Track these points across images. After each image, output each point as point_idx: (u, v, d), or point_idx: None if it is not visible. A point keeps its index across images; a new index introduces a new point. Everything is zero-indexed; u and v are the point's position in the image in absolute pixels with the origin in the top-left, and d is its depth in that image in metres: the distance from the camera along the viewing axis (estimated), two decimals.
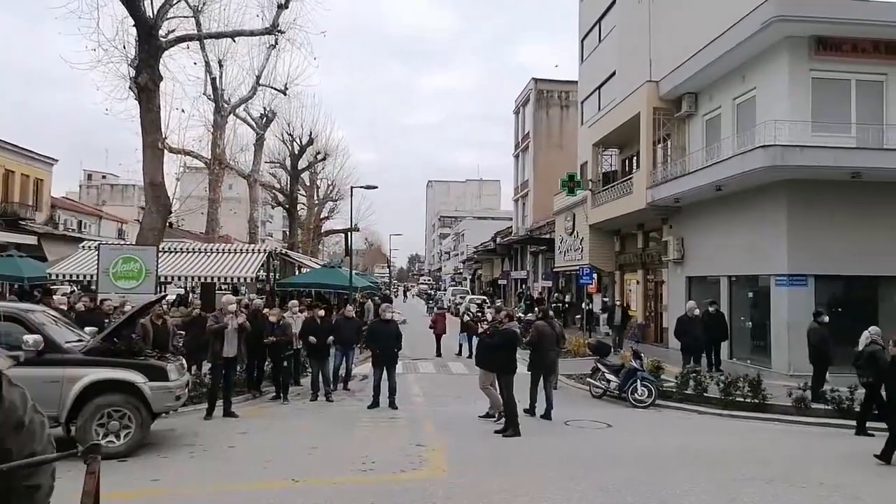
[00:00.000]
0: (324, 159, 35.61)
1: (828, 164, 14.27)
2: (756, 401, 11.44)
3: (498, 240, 52.06)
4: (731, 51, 16.86)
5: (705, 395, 12.23)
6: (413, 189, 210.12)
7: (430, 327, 21.45)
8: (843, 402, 10.83)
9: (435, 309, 25.19)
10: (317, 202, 39.24)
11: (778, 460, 8.33)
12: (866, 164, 14.45)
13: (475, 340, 15.88)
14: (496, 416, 10.37)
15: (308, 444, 8.88)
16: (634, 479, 7.15)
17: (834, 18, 15.14)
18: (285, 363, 12.88)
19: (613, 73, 26.49)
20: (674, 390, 12.69)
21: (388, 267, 54.32)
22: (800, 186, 15.34)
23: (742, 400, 11.58)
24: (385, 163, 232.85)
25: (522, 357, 11.14)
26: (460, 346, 20.38)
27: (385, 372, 11.85)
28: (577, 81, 33.25)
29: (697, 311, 15.72)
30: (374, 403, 11.60)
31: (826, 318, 12.75)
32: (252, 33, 18.83)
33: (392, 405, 11.53)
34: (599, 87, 28.59)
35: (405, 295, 75.68)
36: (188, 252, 19.61)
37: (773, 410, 11.30)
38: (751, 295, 17.60)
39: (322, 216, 40.98)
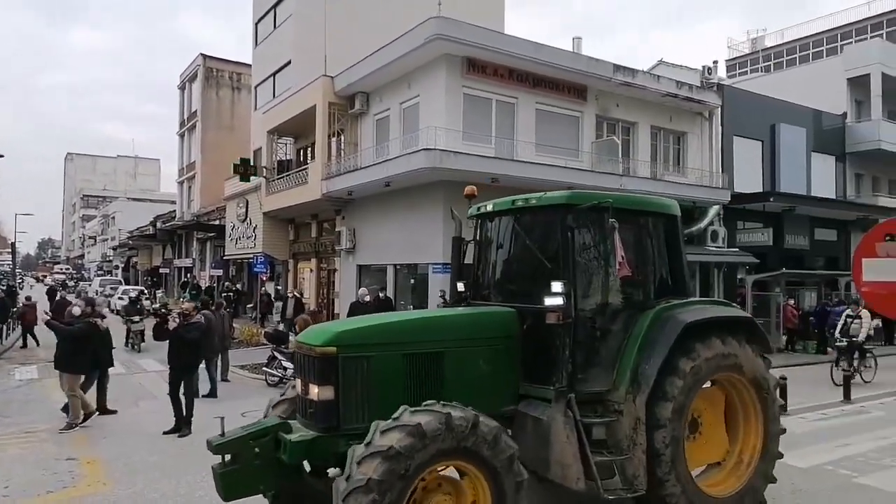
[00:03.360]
0: None
1: (475, 170, 16.61)
2: None
3: (159, 224, 47.54)
4: (399, 59, 18.36)
5: None
6: (49, 163, 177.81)
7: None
8: None
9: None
10: None
11: None
12: (502, 171, 17.24)
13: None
14: (74, 425, 9.47)
15: None
16: None
17: (481, 45, 17.60)
18: None
19: (289, 62, 26.44)
20: None
21: (13, 253, 45.08)
22: (454, 186, 17.51)
23: None
24: (10, 130, 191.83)
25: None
26: None
27: None
28: (250, 64, 32.30)
29: (368, 297, 16.83)
30: None
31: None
32: None
33: None
34: (274, 74, 28.24)
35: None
36: None
37: None
38: (412, 281, 19.57)
39: None
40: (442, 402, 4.43)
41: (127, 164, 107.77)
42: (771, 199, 22.85)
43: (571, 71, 19.04)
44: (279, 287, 26.93)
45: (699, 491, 5.32)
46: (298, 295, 22.51)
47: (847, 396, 11.66)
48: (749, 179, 24.02)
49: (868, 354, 14.60)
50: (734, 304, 6.60)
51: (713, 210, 22.22)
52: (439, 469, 4.45)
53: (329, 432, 4.70)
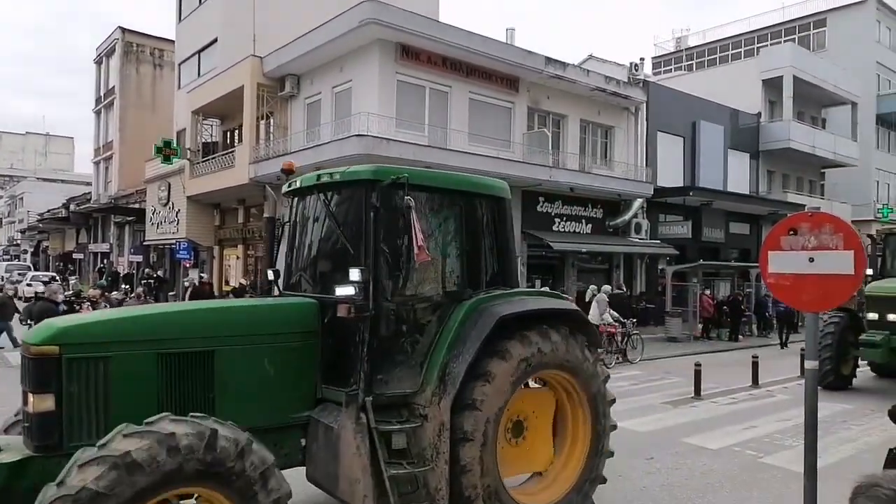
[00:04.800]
0: None
1: (408, 157, 16.49)
2: None
3: (73, 207, 44.88)
4: (331, 42, 17.98)
5: None
6: None
7: None
8: None
9: None
10: None
11: None
12: (435, 160, 17.20)
13: None
14: None
15: None
16: None
17: (414, 31, 17.47)
18: None
19: (215, 41, 25.39)
20: None
21: None
22: None
23: None
24: None
25: None
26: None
27: None
28: (173, 40, 30.85)
29: None
30: None
31: None
32: None
33: None
34: (200, 52, 27.07)
35: None
36: None
37: None
38: None
39: None
40: (194, 414, 3.67)
41: (37, 141, 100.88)
42: (690, 194, 23.90)
43: (504, 62, 19.21)
44: (203, 274, 26.03)
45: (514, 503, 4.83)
46: (201, 281, 21.71)
47: (755, 381, 12.39)
48: (671, 174, 25.04)
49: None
50: (565, 296, 6.04)
51: (637, 203, 23.03)
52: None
53: (47, 452, 3.77)
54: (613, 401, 5.58)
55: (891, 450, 3.65)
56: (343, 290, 4.50)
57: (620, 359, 14.77)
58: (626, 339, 15.13)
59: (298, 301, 4.94)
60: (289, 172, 5.62)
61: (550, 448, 5.39)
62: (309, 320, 4.74)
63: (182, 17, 28.97)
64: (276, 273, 5.41)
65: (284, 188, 5.55)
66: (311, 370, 4.74)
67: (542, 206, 21.07)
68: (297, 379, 4.69)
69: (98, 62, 41.35)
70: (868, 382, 12.90)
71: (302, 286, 5.34)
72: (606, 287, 16.14)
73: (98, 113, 41.51)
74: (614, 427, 5.60)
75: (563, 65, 20.66)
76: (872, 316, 11.84)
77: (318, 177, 5.04)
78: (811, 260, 4.22)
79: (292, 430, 4.61)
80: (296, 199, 5.49)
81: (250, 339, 4.49)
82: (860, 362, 12.55)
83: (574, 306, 5.59)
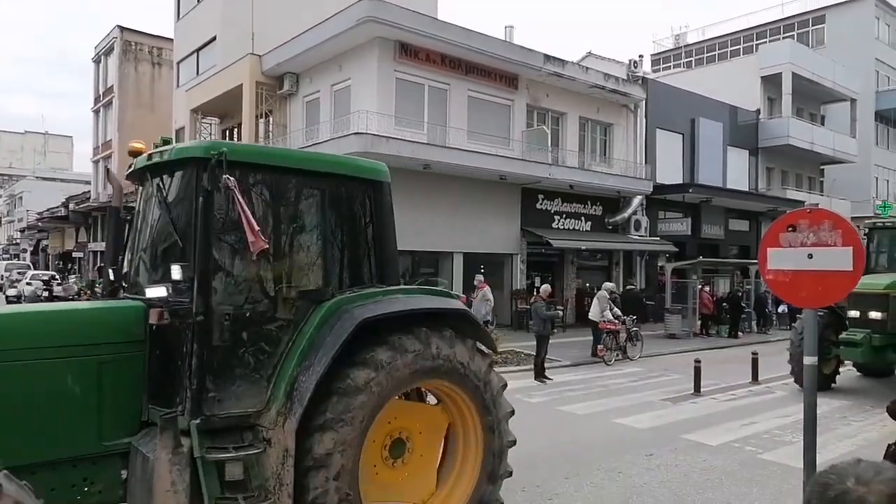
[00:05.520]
0: None
1: (407, 155, 16.54)
2: None
3: (72, 206, 44.84)
4: (330, 40, 17.98)
5: None
6: None
7: None
8: None
9: None
10: None
11: None
12: (434, 158, 17.25)
13: None
14: None
15: None
16: None
17: (413, 29, 17.48)
18: None
19: (214, 39, 25.39)
20: None
21: None
22: None
23: None
24: None
25: None
26: None
27: None
28: (172, 39, 30.82)
29: None
30: None
31: None
32: None
33: None
34: (198, 50, 27.07)
35: None
36: None
37: None
38: None
39: None
40: None
41: (36, 140, 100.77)
42: (690, 191, 23.91)
43: (503, 59, 19.20)
44: None
45: None
46: None
47: (755, 378, 12.41)
48: (670, 171, 25.04)
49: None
50: (453, 293, 5.21)
51: (636, 200, 23.05)
52: None
53: None
54: (511, 413, 4.81)
55: (889, 445, 3.67)
56: (154, 292, 3.88)
57: (620, 356, 14.78)
58: (627, 336, 15.13)
59: (119, 305, 4.18)
60: (135, 154, 4.64)
61: (433, 476, 4.66)
62: (131, 328, 3.92)
63: (180, 16, 28.95)
64: (116, 273, 4.71)
65: (126, 172, 4.79)
66: (133, 387, 3.93)
67: (541, 204, 21.08)
68: (113, 398, 3.86)
69: (97, 61, 41.32)
70: (865, 379, 12.90)
71: (137, 286, 4.52)
72: (608, 284, 16.13)
73: (97, 112, 41.48)
74: (512, 443, 4.82)
75: (563, 62, 20.65)
76: (854, 314, 11.07)
77: (150, 156, 4.31)
78: (810, 256, 4.23)
79: (109, 461, 3.84)
80: (139, 184, 4.72)
81: (50, 351, 3.68)
82: (845, 362, 11.89)
83: (461, 305, 4.73)
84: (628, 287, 21.41)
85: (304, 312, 4.15)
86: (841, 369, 12.17)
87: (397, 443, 4.47)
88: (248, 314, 4.05)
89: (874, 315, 10.79)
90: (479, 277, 16.80)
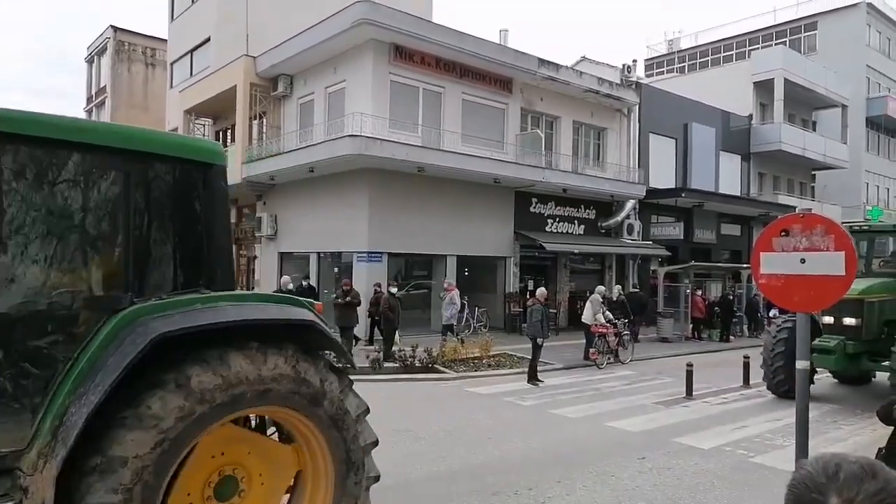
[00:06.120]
0: None
1: (401, 158, 16.53)
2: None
3: None
4: (325, 42, 17.95)
5: None
6: None
7: None
8: (406, 360, 12.86)
9: None
10: None
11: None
12: (428, 160, 17.24)
13: None
14: None
15: None
16: None
17: (408, 31, 17.46)
18: None
19: (208, 39, 25.32)
20: None
21: None
22: (379, 174, 17.42)
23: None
24: None
25: None
26: None
27: None
28: (165, 39, 30.73)
29: (291, 286, 16.42)
30: None
31: (395, 290, 14.93)
32: None
33: None
34: (192, 51, 26.99)
35: None
36: None
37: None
38: (336, 269, 19.31)
39: None
40: None
41: None
42: (682, 195, 24.01)
43: (497, 63, 19.24)
44: None
45: None
46: None
47: (746, 381, 12.46)
48: (663, 175, 25.15)
49: None
50: (303, 300, 4.04)
51: (629, 204, 23.13)
52: None
53: None
54: (375, 444, 4.01)
55: (880, 448, 3.69)
56: None
57: (612, 359, 14.81)
58: (618, 340, 15.17)
59: None
60: None
61: None
62: None
63: (174, 16, 28.87)
64: None
65: None
66: None
67: (534, 207, 21.11)
68: None
69: (89, 61, 41.13)
70: (859, 383, 12.97)
71: None
72: (600, 287, 16.17)
73: (89, 112, 41.27)
74: (376, 479, 4.03)
75: (557, 66, 20.71)
76: (828, 319, 10.55)
77: None
78: (803, 261, 4.26)
79: None
80: None
81: None
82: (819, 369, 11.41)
83: (308, 315, 3.77)
84: (633, 290, 21.49)
85: (92, 325, 3.36)
86: (816, 378, 11.81)
87: (227, 481, 3.55)
88: (8, 329, 3.25)
89: (849, 321, 10.35)
90: (449, 280, 16.92)
